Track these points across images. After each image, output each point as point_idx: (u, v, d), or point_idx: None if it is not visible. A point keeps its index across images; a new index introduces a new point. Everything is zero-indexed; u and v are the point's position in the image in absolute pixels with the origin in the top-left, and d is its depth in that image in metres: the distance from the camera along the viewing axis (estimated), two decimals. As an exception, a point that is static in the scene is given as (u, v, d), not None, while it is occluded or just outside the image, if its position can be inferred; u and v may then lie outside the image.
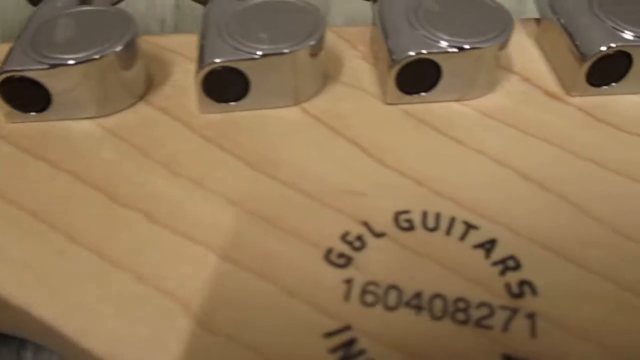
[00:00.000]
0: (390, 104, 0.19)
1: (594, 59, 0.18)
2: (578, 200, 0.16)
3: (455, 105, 0.19)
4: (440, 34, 0.18)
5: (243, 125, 0.18)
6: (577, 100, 0.19)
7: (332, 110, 0.19)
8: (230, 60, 0.18)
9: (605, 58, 0.18)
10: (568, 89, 0.19)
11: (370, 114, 0.19)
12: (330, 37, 0.21)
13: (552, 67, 0.20)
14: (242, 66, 0.18)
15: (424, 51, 0.18)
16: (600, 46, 0.18)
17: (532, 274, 0.15)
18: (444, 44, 0.18)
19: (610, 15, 0.19)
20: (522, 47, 0.21)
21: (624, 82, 0.19)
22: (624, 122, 0.18)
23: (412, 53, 0.18)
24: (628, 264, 0.15)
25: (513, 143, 0.18)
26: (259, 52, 0.18)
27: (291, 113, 0.19)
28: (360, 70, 0.20)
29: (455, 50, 0.18)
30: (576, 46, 0.19)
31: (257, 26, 0.18)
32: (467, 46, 0.18)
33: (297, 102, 0.19)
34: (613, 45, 0.18)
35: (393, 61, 0.18)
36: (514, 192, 0.17)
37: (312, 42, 0.18)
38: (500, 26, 0.18)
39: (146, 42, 0.20)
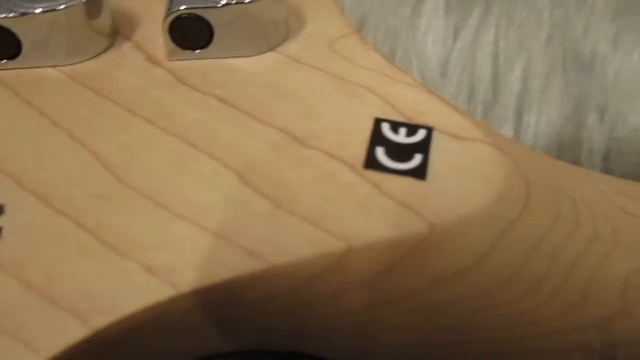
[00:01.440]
0: (-12, 71, 0.19)
1: (171, 18, 0.19)
2: (106, 154, 0.17)
3: (49, 71, 0.19)
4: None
5: None
6: (174, 64, 0.20)
7: None
8: None
9: (189, 21, 0.19)
10: (168, 54, 0.20)
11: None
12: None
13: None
14: None
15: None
16: (180, 6, 0.19)
17: (10, 221, 0.15)
18: (17, 9, 0.18)
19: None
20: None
21: (212, 46, 0.19)
22: (204, 84, 0.19)
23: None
24: (114, 214, 0.15)
25: (82, 106, 0.18)
26: None
27: None
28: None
29: (16, 14, 0.18)
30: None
31: None
32: (37, 10, 0.18)
33: None
34: (189, 6, 0.19)
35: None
36: (50, 147, 0.17)
37: None
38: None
39: None
